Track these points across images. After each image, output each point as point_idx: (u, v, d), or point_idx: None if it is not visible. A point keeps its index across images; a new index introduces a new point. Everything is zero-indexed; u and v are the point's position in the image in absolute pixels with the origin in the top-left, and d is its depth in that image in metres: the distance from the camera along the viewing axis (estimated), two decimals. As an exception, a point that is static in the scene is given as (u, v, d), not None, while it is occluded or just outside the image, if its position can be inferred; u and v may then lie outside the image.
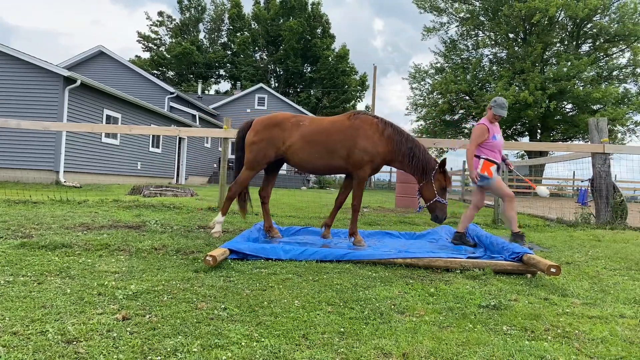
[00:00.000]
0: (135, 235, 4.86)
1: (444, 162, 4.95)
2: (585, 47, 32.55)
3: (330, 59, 48.64)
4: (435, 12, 35.76)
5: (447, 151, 24.48)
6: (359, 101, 53.20)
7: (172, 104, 25.99)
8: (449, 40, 36.50)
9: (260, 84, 36.11)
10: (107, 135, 17.22)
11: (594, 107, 29.71)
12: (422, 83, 37.51)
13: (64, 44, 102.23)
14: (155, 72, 49.98)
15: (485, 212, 10.61)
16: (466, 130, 36.54)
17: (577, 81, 28.88)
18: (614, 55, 32.15)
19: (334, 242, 5.19)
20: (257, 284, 3.15)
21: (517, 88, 29.23)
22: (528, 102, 27.73)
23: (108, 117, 17.06)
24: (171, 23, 55.10)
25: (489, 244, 4.74)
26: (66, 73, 14.45)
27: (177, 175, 23.85)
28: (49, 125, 9.29)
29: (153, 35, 53.85)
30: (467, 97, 34.51)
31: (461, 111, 36.54)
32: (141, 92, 25.02)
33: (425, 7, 35.51)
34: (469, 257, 4.07)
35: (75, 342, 2.04)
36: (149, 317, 2.40)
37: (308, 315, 2.54)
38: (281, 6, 48.64)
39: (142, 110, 19.46)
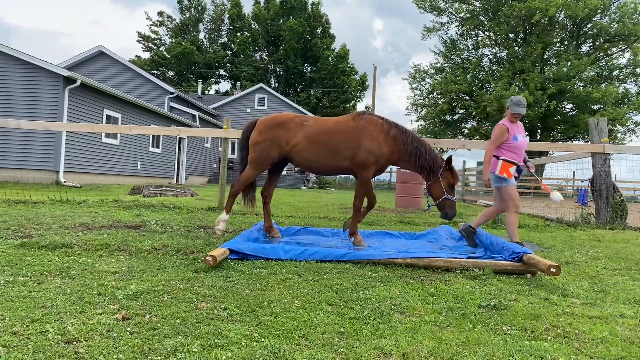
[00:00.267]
0: (135, 235, 4.86)
1: (450, 159, 4.94)
2: (585, 47, 32.58)
3: (330, 59, 48.63)
4: (435, 12, 35.78)
5: (446, 151, 24.46)
6: (359, 101, 53.23)
7: (172, 104, 25.99)
8: (449, 40, 36.53)
9: (260, 84, 36.11)
10: (107, 135, 17.22)
11: (594, 107, 29.72)
12: (422, 83, 37.54)
13: (64, 44, 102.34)
14: (155, 72, 49.99)
15: (485, 212, 10.60)
16: (466, 131, 36.57)
17: (577, 81, 28.91)
18: (614, 55, 32.16)
19: (334, 242, 5.19)
20: (257, 284, 3.15)
21: (517, 88, 29.24)
22: (528, 102, 27.67)
23: (108, 117, 17.06)
24: (171, 23, 55.11)
25: (489, 244, 4.75)
26: (66, 73, 14.45)
27: (177, 175, 23.85)
28: (48, 125, 9.29)
29: (153, 35, 53.87)
30: (467, 97, 34.52)
31: (461, 111, 36.55)
32: (141, 92, 25.02)
33: (425, 7, 35.52)
34: (469, 257, 4.07)
35: (75, 342, 2.04)
36: (149, 317, 2.40)
37: (308, 315, 2.54)
38: (281, 6, 48.63)
39: (142, 110, 19.46)
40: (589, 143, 8.36)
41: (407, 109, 40.03)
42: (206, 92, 51.03)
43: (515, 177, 5.08)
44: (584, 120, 27.50)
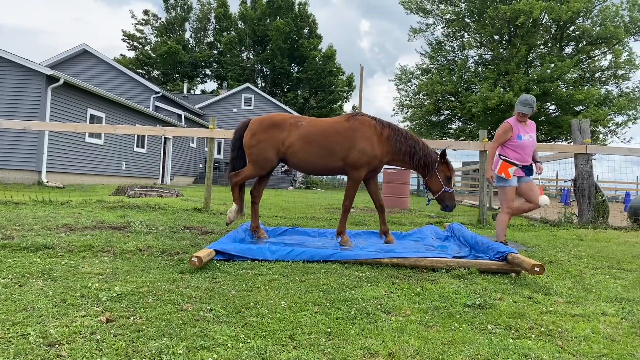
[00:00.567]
0: (119, 236, 4.80)
1: (444, 153, 5.01)
2: (568, 49, 33.09)
3: (317, 60, 48.66)
4: (421, 14, 35.98)
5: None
6: (346, 102, 53.36)
7: (157, 103, 25.75)
8: (435, 42, 36.77)
9: (247, 84, 35.98)
10: (91, 135, 16.99)
11: (577, 109, 30.20)
12: (408, 84, 37.74)
13: (46, 42, 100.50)
14: (140, 71, 49.50)
15: (470, 212, 10.73)
16: (452, 131, 36.88)
17: (560, 83, 29.33)
18: (596, 58, 32.71)
19: (321, 242, 5.19)
20: (244, 285, 3.14)
21: (502, 89, 29.58)
22: (513, 103, 28.04)
23: (92, 116, 16.83)
24: (157, 22, 54.59)
25: (474, 243, 4.78)
26: (49, 72, 14.22)
27: (163, 175, 23.64)
28: (30, 125, 9.14)
29: (138, 34, 53.30)
30: (453, 98, 34.82)
31: (447, 112, 36.86)
32: (126, 91, 24.75)
33: (411, 8, 35.71)
34: (454, 257, 4.10)
35: (57, 345, 2.01)
36: (134, 319, 2.37)
37: (295, 316, 2.53)
38: (268, 6, 48.52)
39: (127, 110, 19.25)
40: (572, 144, 8.49)
41: (394, 109, 40.20)
42: (192, 91, 50.69)
43: (521, 177, 5.03)
44: (567, 121, 27.94)
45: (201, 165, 28.96)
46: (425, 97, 36.01)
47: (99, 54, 25.67)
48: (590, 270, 4.22)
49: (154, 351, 1.99)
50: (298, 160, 5.01)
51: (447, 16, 35.25)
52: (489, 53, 34.42)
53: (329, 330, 2.35)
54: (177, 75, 52.73)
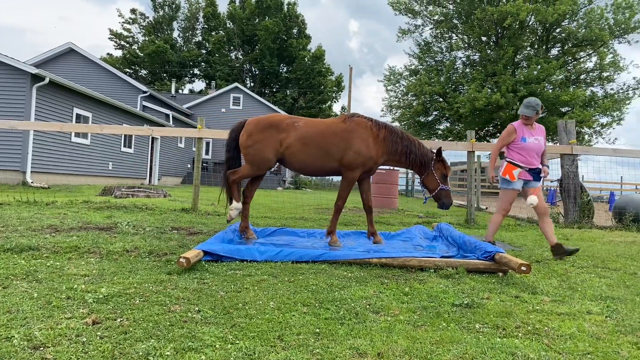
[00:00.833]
0: (106, 237, 4.75)
1: (439, 151, 5.06)
2: (554, 51, 33.46)
3: (306, 60, 48.64)
4: (410, 15, 36.14)
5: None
6: (335, 102, 53.42)
7: (144, 103, 25.52)
8: (423, 43, 36.96)
9: (236, 84, 35.80)
10: (77, 134, 16.78)
11: (563, 110, 30.57)
12: (397, 85, 37.89)
13: (32, 40, 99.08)
14: (127, 70, 49.05)
15: (458, 212, 10.80)
16: (439, 132, 37.11)
17: (546, 84, 29.66)
18: (582, 60, 33.14)
19: (310, 243, 5.18)
20: (232, 286, 3.12)
21: (489, 90, 29.83)
22: (500, 104, 28.33)
23: (78, 116, 16.62)
24: (144, 21, 54.15)
25: (462, 243, 4.82)
26: (34, 70, 14.01)
27: (150, 175, 23.43)
28: (15, 125, 8.99)
29: (125, 33, 52.81)
30: (441, 99, 35.02)
31: (435, 113, 37.05)
32: (113, 90, 24.49)
33: (400, 9, 35.85)
34: (442, 257, 4.13)
35: (42, 348, 1.98)
36: (120, 320, 2.35)
37: (283, 317, 2.53)
38: (257, 5, 48.37)
39: (114, 110, 19.05)
40: (558, 144, 8.60)
41: (382, 110, 40.27)
42: (180, 91, 50.31)
43: (529, 180, 4.97)
44: (553, 122, 28.23)
45: (189, 166, 28.76)
46: (414, 98, 36.17)
47: (86, 53, 25.37)
48: (575, 269, 4.28)
49: (141, 353, 1.97)
50: (297, 162, 5.01)
51: (436, 17, 35.46)
52: (477, 54, 34.68)
53: (317, 330, 2.34)
54: (164, 75, 52.34)
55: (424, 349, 2.16)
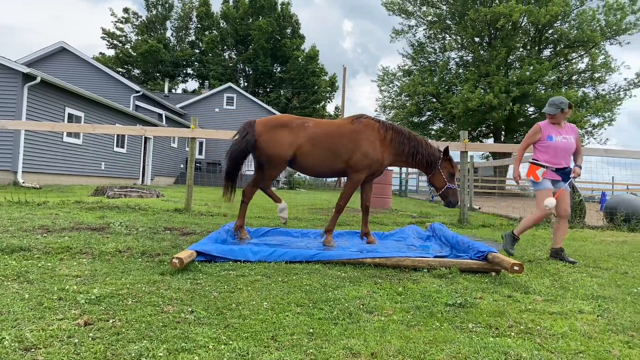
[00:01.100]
0: (98, 238, 4.72)
1: (447, 150, 5.08)
2: (546, 52, 33.69)
3: (300, 60, 48.61)
4: (403, 15, 36.23)
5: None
6: (328, 102, 53.44)
7: (137, 102, 25.38)
8: (416, 43, 37.08)
9: (229, 84, 35.71)
10: (69, 134, 16.66)
11: (555, 110, 30.74)
12: (390, 85, 37.99)
13: (24, 39, 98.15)
14: (120, 70, 48.77)
15: (451, 212, 10.83)
16: (433, 132, 37.25)
17: (539, 85, 29.86)
18: (574, 61, 33.41)
19: (303, 243, 5.18)
20: (225, 286, 3.11)
21: (482, 91, 29.97)
22: (493, 104, 28.48)
23: (70, 115, 16.50)
24: (137, 20, 53.89)
25: (455, 243, 4.84)
26: (25, 69, 13.89)
27: (143, 175, 23.31)
28: (6, 124, 8.91)
29: (118, 32, 52.55)
30: (434, 99, 35.16)
31: (428, 113, 37.21)
32: (105, 90, 24.32)
33: (394, 9, 35.94)
34: (436, 257, 4.14)
35: (33, 350, 1.96)
36: (113, 321, 2.33)
37: (277, 317, 2.52)
38: (250, 5, 48.29)
39: (107, 109, 18.93)
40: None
41: (376, 110, 40.31)
42: (173, 90, 50.15)
43: (558, 180, 4.84)
44: (545, 122, 28.39)
45: (182, 166, 28.65)
46: (407, 98, 36.28)
47: (78, 52, 25.18)
48: (567, 268, 4.31)
49: (133, 354, 1.96)
50: (307, 163, 4.99)
51: (429, 18, 35.58)
52: (470, 55, 34.84)
53: (311, 330, 2.34)
54: (158, 74, 52.10)
55: (418, 348, 2.17)
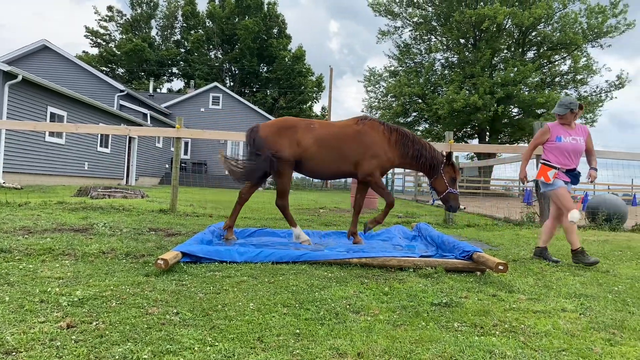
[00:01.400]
0: (81, 239, 4.65)
1: (449, 155, 5.11)
2: (530, 54, 34.14)
3: (287, 60, 48.49)
4: (389, 16, 36.38)
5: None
6: (315, 102, 53.42)
7: (122, 102, 25.08)
8: (402, 44, 37.28)
9: (215, 83, 35.48)
10: (52, 134, 16.39)
11: (538, 112, 31.21)
12: (376, 86, 38.15)
13: (4, 37, 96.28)
14: (104, 69, 48.11)
15: (437, 212, 10.91)
16: (419, 133, 37.49)
17: (522, 86, 30.25)
18: (556, 63, 33.93)
19: (291, 243, 5.17)
20: (211, 287, 3.09)
21: (467, 92, 30.26)
22: (478, 105, 28.76)
23: (52, 114, 16.25)
24: (121, 18, 53.24)
25: (440, 242, 4.87)
26: (6, 68, 13.64)
27: (127, 176, 23.05)
28: (-14, 123, 8.74)
29: (102, 31, 51.83)
30: (420, 100, 35.38)
31: (414, 114, 37.44)
32: (89, 89, 23.99)
33: (380, 10, 36.07)
34: (421, 256, 4.16)
35: (14, 353, 1.92)
36: (96, 324, 2.30)
37: (263, 318, 2.51)
38: (236, 5, 48.03)
39: (90, 108, 18.68)
40: (534, 145, 8.75)
41: (363, 111, 40.44)
42: (158, 90, 49.60)
43: (567, 182, 4.72)
44: (529, 123, 28.82)
45: (167, 166, 28.39)
46: (393, 99, 36.45)
47: (60, 50, 24.78)
48: (551, 267, 4.37)
49: (117, 357, 1.93)
50: (313, 165, 4.95)
51: (415, 19, 35.80)
52: (455, 56, 35.14)
53: (297, 331, 2.34)
54: (142, 74, 51.51)
55: (404, 348, 2.17)
